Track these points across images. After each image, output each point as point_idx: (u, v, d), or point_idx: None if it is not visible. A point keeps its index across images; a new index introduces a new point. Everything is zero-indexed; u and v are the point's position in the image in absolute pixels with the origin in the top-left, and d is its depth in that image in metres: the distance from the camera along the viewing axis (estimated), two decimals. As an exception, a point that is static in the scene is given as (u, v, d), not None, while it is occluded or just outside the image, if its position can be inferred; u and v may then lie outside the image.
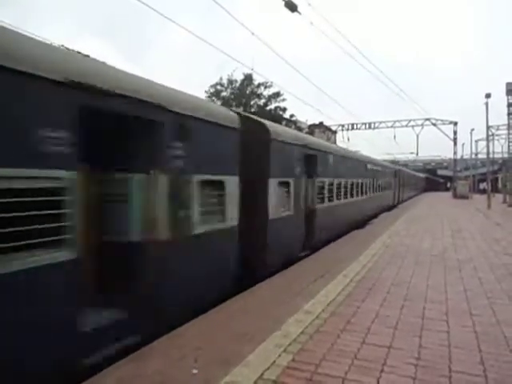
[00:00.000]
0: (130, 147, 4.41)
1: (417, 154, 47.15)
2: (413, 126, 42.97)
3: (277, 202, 7.76)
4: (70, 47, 3.84)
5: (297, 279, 6.85)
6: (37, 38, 3.63)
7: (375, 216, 19.66)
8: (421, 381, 3.33)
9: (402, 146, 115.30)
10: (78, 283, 3.45)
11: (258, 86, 41.12)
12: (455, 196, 40.23)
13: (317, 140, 12.62)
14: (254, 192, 7.01)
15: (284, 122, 36.27)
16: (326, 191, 11.22)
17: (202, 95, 36.29)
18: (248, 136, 6.70)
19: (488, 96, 28.61)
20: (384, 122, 44.02)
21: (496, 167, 48.11)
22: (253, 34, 11.93)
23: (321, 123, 52.30)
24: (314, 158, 10.19)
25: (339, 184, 12.80)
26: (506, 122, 30.72)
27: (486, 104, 28.89)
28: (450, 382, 3.33)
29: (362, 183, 16.63)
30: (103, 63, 4.35)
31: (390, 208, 25.14)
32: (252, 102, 41.13)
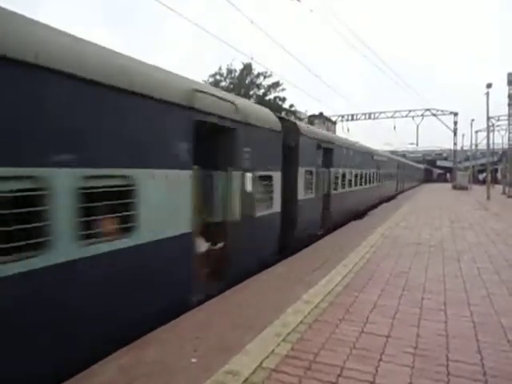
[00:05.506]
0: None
1: (417, 144, 47.09)
2: (413, 117, 42.86)
3: (304, 186, 9.37)
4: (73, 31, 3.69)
5: (296, 269, 6.88)
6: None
7: (380, 203, 21.18)
8: (418, 369, 3.36)
9: (402, 137, 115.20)
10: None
11: (258, 75, 40.83)
12: (454, 187, 40.25)
13: (334, 135, 15.22)
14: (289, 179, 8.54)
15: (283, 112, 36.11)
16: (340, 179, 12.87)
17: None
18: (286, 134, 8.31)
19: (489, 86, 28.36)
20: (384, 112, 43.89)
21: (496, 158, 48.03)
22: (252, 22, 11.81)
23: (320, 114, 52.10)
24: (331, 151, 11.81)
25: (351, 173, 14.52)
26: (507, 113, 30.56)
27: (487, 94, 28.67)
28: (447, 370, 3.36)
29: (370, 173, 18.41)
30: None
31: (392, 197, 26.59)
32: (251, 92, 40.85)
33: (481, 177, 55.99)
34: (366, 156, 18.14)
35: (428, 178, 69.95)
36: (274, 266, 7.05)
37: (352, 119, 44.89)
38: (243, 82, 40.73)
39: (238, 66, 40.25)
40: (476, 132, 45.97)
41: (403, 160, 38.89)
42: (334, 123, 49.19)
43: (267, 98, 40.76)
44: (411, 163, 48.04)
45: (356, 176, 15.45)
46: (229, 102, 5.97)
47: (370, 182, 18.49)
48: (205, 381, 3.12)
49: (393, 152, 48.12)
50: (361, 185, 16.43)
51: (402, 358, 3.58)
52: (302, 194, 9.16)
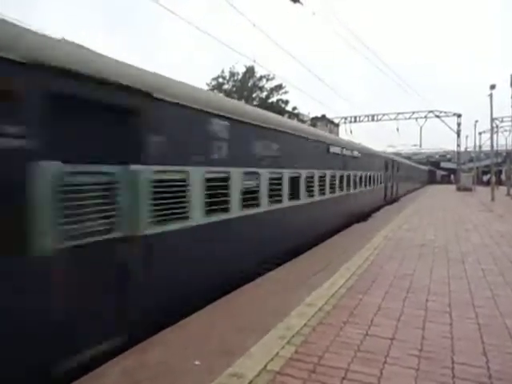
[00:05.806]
0: None
1: (420, 146, 46.93)
2: (416, 118, 42.80)
3: None
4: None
5: (299, 272, 6.87)
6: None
7: (347, 226, 13.20)
8: (424, 372, 3.34)
9: (406, 139, 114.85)
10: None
11: (260, 78, 40.98)
12: (458, 188, 40.08)
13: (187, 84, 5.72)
14: None
15: (286, 115, 36.14)
16: (232, 192, 6.15)
17: (204, 88, 36.08)
18: None
19: (492, 87, 28.27)
20: (387, 114, 43.84)
21: (500, 159, 47.83)
22: (254, 25, 11.87)
23: (323, 116, 52.14)
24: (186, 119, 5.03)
25: (264, 178, 7.31)
26: (511, 114, 30.46)
27: (491, 95, 28.59)
28: (452, 373, 3.34)
29: (322, 177, 10.82)
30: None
31: (379, 208, 19.78)
32: (254, 95, 40.98)
33: (485, 178, 55.74)
34: (309, 145, 9.94)
35: (432, 179, 69.69)
36: (274, 270, 7.02)
37: (355, 121, 44.87)
38: (246, 84, 40.89)
39: (241, 69, 40.43)
40: (480, 133, 45.83)
41: (397, 158, 29.71)
42: (337, 125, 49.18)
43: (270, 100, 40.88)
44: (411, 163, 44.10)
45: (277, 181, 7.93)
46: None
47: (317, 191, 10.44)
48: (209, 383, 3.12)
49: (396, 154, 47.57)
50: (307, 197, 9.59)
51: (407, 360, 3.56)
52: None
